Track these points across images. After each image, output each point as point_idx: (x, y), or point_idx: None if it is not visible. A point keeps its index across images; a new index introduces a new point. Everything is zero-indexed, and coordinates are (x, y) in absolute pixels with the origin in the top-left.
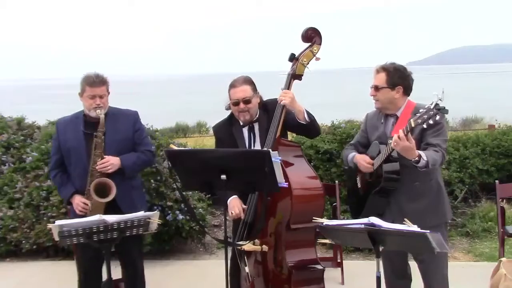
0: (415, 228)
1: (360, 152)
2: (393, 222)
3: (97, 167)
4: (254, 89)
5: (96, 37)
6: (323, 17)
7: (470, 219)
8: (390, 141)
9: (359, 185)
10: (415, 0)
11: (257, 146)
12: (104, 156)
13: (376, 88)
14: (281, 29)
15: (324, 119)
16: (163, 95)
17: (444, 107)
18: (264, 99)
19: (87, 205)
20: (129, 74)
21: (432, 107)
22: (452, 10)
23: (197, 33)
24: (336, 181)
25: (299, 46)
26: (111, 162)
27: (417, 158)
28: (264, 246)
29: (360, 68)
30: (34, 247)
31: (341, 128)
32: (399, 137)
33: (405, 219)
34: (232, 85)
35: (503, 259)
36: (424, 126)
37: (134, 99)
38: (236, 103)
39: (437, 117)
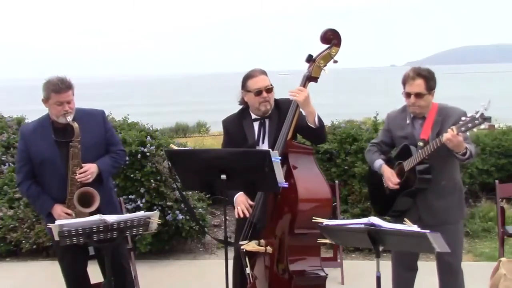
0: (415, 228)
1: (383, 151)
2: (419, 218)
3: (77, 178)
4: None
5: (96, 37)
6: (322, 17)
7: (470, 219)
8: (421, 143)
9: (385, 184)
10: (415, 0)
11: (266, 143)
12: (83, 165)
13: (419, 96)
14: (281, 29)
15: (324, 119)
16: (163, 95)
17: (490, 117)
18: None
19: (70, 215)
20: (129, 74)
21: (477, 116)
22: (452, 10)
23: (196, 33)
24: (336, 181)
25: (297, 45)
26: (91, 171)
27: (464, 150)
28: (268, 247)
29: (360, 68)
30: (34, 247)
31: (341, 128)
32: (451, 136)
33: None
34: (251, 75)
35: (503, 259)
36: (467, 133)
37: (135, 99)
38: (259, 92)
39: (482, 126)
